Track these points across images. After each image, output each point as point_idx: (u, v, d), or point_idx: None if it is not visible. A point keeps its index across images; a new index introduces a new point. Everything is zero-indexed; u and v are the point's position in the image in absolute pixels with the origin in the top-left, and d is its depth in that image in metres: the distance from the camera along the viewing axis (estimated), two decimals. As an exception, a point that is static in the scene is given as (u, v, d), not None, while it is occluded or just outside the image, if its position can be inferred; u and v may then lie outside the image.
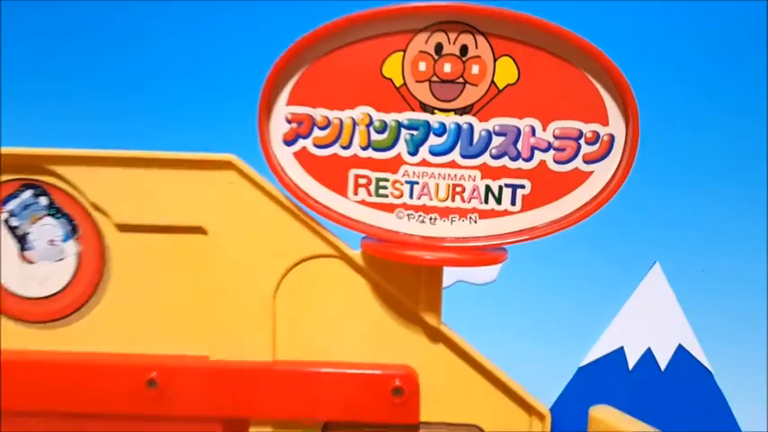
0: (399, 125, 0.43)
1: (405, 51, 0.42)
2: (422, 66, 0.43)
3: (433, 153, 0.44)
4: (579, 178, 0.44)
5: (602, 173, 0.44)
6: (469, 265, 0.44)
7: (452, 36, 0.42)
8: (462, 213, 0.45)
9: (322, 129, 0.44)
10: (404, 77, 0.43)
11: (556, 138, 0.43)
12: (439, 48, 0.42)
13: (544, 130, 0.43)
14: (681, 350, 0.48)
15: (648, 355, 0.49)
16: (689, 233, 0.84)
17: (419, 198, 0.45)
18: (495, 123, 0.43)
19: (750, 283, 0.82)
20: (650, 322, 0.49)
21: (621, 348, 0.49)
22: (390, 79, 0.43)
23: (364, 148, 0.44)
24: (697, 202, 0.84)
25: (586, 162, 0.43)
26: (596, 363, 0.49)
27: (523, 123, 0.43)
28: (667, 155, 0.79)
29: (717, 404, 0.48)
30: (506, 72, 0.42)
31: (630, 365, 0.49)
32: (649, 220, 0.83)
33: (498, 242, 0.45)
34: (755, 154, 0.82)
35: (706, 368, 0.48)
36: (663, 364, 0.48)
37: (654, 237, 0.82)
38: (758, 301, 0.81)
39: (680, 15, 0.82)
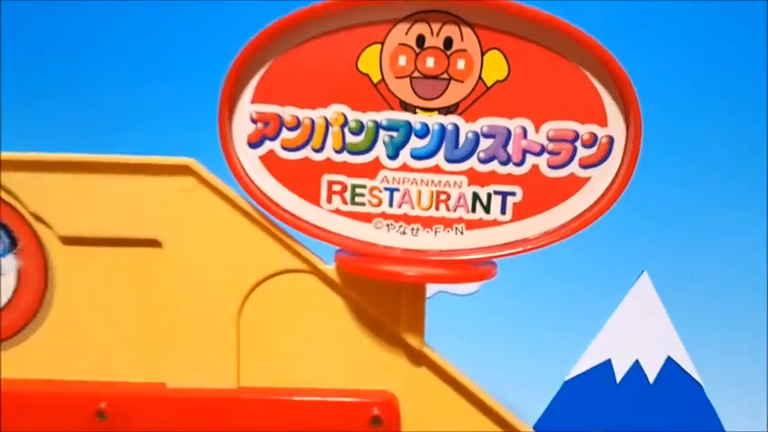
0: (377, 126, 0.42)
1: (383, 44, 0.41)
2: (402, 60, 0.41)
3: (415, 157, 0.43)
4: (575, 184, 0.43)
5: (601, 178, 0.43)
6: (456, 282, 0.44)
7: (435, 27, 0.41)
8: (447, 223, 0.44)
9: (291, 129, 0.43)
10: (382, 73, 0.42)
11: (550, 140, 0.42)
12: (421, 40, 0.41)
13: (537, 131, 0.42)
14: (670, 362, 0.48)
15: (636, 368, 0.48)
16: (677, 241, 0.86)
17: (400, 207, 0.43)
18: (482, 124, 0.42)
19: (741, 292, 0.85)
20: (638, 334, 0.48)
21: (609, 361, 0.49)
22: (367, 75, 0.42)
23: (338, 152, 0.43)
24: (687, 208, 0.87)
25: (583, 167, 0.42)
26: (583, 376, 0.49)
27: (514, 124, 0.42)
28: (660, 158, 0.80)
29: (707, 418, 0.48)
30: (495, 67, 0.41)
31: (618, 378, 0.48)
32: (637, 227, 0.85)
33: (487, 255, 0.44)
34: (752, 160, 0.85)
35: (696, 381, 0.48)
36: (651, 377, 0.48)
37: (641, 245, 0.84)
38: (749, 311, 0.83)
39: (679, 13, 0.84)
